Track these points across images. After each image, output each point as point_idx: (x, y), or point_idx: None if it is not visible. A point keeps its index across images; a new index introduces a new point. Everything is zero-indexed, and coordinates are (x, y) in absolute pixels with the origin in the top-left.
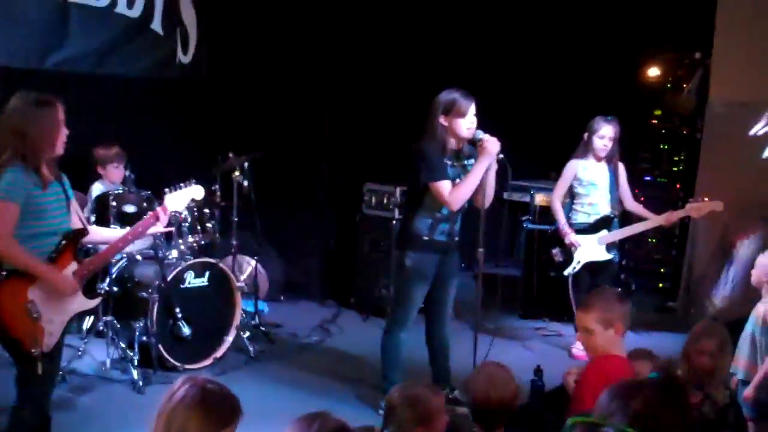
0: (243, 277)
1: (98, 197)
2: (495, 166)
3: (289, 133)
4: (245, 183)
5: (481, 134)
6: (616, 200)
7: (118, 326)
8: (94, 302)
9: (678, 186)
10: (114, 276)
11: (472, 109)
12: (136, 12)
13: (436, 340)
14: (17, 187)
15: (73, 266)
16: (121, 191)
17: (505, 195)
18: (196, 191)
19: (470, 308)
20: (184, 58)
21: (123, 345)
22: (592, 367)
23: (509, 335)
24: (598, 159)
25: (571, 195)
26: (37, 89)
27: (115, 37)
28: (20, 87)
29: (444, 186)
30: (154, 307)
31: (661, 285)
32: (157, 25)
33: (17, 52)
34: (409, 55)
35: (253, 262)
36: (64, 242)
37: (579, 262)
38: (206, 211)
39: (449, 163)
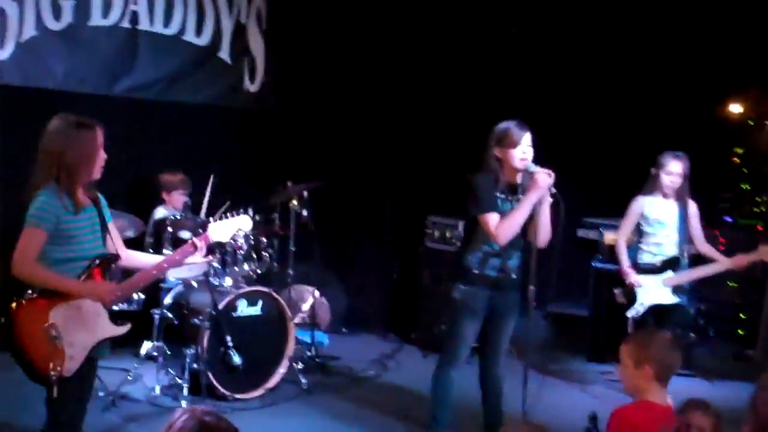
0: (304, 307)
1: (156, 221)
2: (548, 201)
3: (353, 165)
4: (304, 212)
5: (533, 167)
6: (686, 240)
7: (169, 352)
8: (123, 329)
9: (760, 228)
10: (170, 302)
11: (525, 138)
12: (204, 40)
13: (489, 379)
14: (47, 213)
15: None
16: (178, 217)
17: (580, 233)
18: (244, 222)
19: (537, 348)
20: (252, 87)
21: (173, 372)
22: (615, 414)
23: (572, 378)
24: (666, 196)
25: (639, 233)
26: (106, 115)
27: (182, 64)
28: (89, 113)
29: (491, 219)
30: (205, 335)
31: (740, 332)
32: (224, 54)
33: (87, 79)
34: (477, 88)
35: (316, 293)
36: (93, 266)
37: (642, 304)
38: (263, 239)
39: (502, 196)
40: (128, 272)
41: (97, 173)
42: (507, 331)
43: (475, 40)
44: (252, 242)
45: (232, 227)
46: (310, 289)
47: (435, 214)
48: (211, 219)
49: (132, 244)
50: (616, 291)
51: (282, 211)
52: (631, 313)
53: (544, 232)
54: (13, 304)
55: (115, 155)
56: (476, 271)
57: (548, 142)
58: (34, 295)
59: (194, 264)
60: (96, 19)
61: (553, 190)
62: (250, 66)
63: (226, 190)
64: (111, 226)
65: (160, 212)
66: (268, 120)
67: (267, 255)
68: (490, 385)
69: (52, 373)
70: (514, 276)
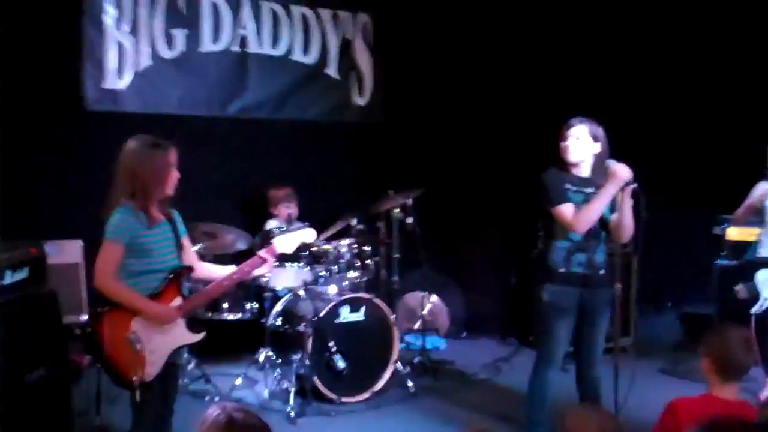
0: (424, 312)
1: (262, 234)
2: (629, 195)
3: (464, 170)
4: (408, 220)
5: (611, 162)
6: None
7: (279, 360)
8: (199, 336)
9: None
10: (279, 310)
11: (574, 131)
12: (311, 58)
13: (587, 381)
14: (123, 229)
15: (178, 301)
16: (283, 229)
17: (716, 230)
18: (307, 234)
19: (665, 348)
20: (360, 100)
21: (279, 377)
22: (672, 402)
23: (694, 377)
24: None
25: (762, 224)
26: (219, 136)
27: (291, 83)
28: (204, 134)
29: (565, 209)
30: (308, 341)
31: None
32: (332, 70)
33: (201, 103)
34: (584, 87)
35: (434, 298)
36: (168, 278)
37: (766, 299)
38: (366, 248)
39: (573, 188)
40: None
41: (170, 190)
42: (600, 329)
43: (580, 42)
44: (356, 251)
45: (296, 239)
46: (426, 295)
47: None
48: (275, 231)
49: (245, 255)
50: (738, 287)
51: (386, 220)
52: (755, 309)
53: (626, 228)
54: (98, 314)
55: (229, 172)
56: (562, 270)
57: (686, 138)
58: (117, 307)
59: (298, 273)
60: (207, 45)
61: (634, 185)
62: (358, 80)
63: (334, 201)
64: (185, 239)
65: (270, 224)
66: (377, 132)
67: (371, 263)
68: (587, 388)
69: (134, 378)
70: (602, 271)
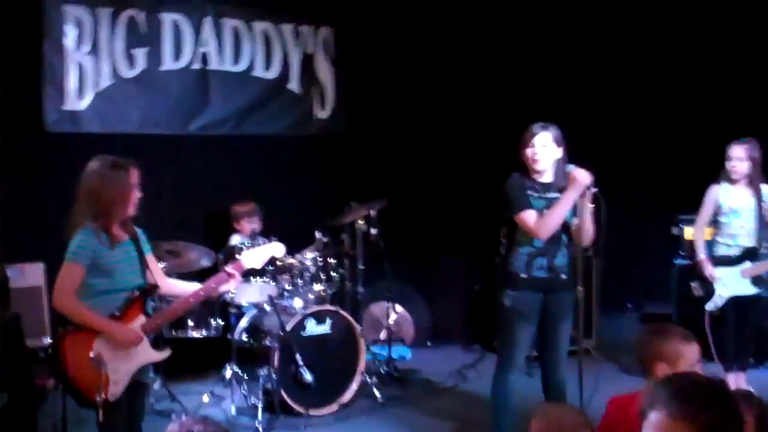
0: (389, 322)
1: (226, 250)
2: (589, 200)
3: (427, 181)
4: (372, 231)
5: (571, 167)
6: (763, 229)
7: (244, 374)
8: (163, 354)
9: None
10: (245, 326)
11: (537, 139)
12: (273, 73)
13: (552, 383)
14: (84, 249)
15: (141, 320)
16: (248, 245)
17: (675, 231)
18: (276, 249)
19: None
20: (322, 114)
21: (246, 393)
22: (612, 400)
23: None
24: (734, 182)
25: (715, 225)
26: (181, 153)
27: (253, 98)
28: (166, 152)
29: (528, 215)
30: (275, 355)
31: None
32: (294, 84)
33: (163, 121)
34: (549, 96)
35: (399, 309)
36: (132, 297)
37: (720, 296)
38: (331, 260)
39: (534, 194)
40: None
41: (131, 210)
42: (564, 332)
43: (536, 48)
44: (321, 263)
45: (265, 254)
46: (391, 305)
47: None
48: (243, 246)
49: (209, 273)
50: (693, 284)
51: (350, 232)
52: (709, 307)
53: (587, 231)
54: (61, 335)
55: (191, 190)
56: (524, 275)
57: (642, 140)
58: (79, 328)
59: (263, 287)
60: (168, 63)
61: (594, 189)
62: (320, 94)
63: (297, 214)
64: (150, 257)
65: (234, 240)
66: (339, 145)
67: (336, 275)
68: (552, 390)
69: (98, 398)
70: (563, 276)
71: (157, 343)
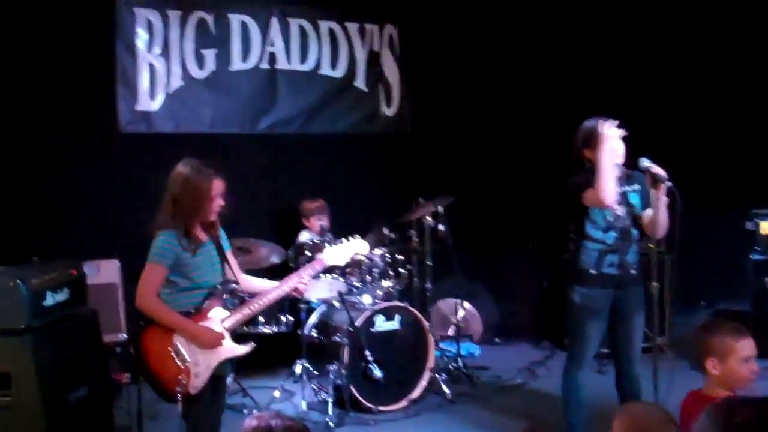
0: (455, 319)
1: (296, 246)
2: (663, 193)
3: (496, 176)
4: (440, 227)
5: (644, 160)
6: None
7: (314, 370)
8: (246, 349)
9: None
10: (314, 321)
11: (615, 133)
12: (339, 72)
13: (625, 381)
14: (166, 251)
15: (222, 314)
16: (318, 241)
17: (748, 225)
18: (360, 246)
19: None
20: (388, 111)
21: (316, 388)
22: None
23: None
24: None
25: None
26: (251, 152)
27: (320, 97)
28: (236, 151)
29: (590, 191)
30: (344, 351)
31: None
32: (360, 83)
33: (233, 120)
34: (619, 89)
35: (466, 305)
36: (212, 293)
37: None
38: (399, 257)
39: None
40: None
41: (212, 217)
42: (636, 328)
43: (605, 42)
44: (389, 260)
45: (348, 251)
46: (459, 301)
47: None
48: (326, 243)
49: (278, 269)
50: (767, 279)
51: (418, 228)
52: None
53: (661, 225)
54: (141, 328)
55: (261, 188)
56: (593, 272)
57: (715, 134)
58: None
59: (332, 284)
60: (236, 64)
61: (669, 183)
62: (386, 92)
63: (366, 211)
64: (229, 254)
65: (303, 236)
66: (406, 142)
67: (405, 272)
68: (626, 387)
69: (178, 389)
70: (633, 271)
71: (238, 337)
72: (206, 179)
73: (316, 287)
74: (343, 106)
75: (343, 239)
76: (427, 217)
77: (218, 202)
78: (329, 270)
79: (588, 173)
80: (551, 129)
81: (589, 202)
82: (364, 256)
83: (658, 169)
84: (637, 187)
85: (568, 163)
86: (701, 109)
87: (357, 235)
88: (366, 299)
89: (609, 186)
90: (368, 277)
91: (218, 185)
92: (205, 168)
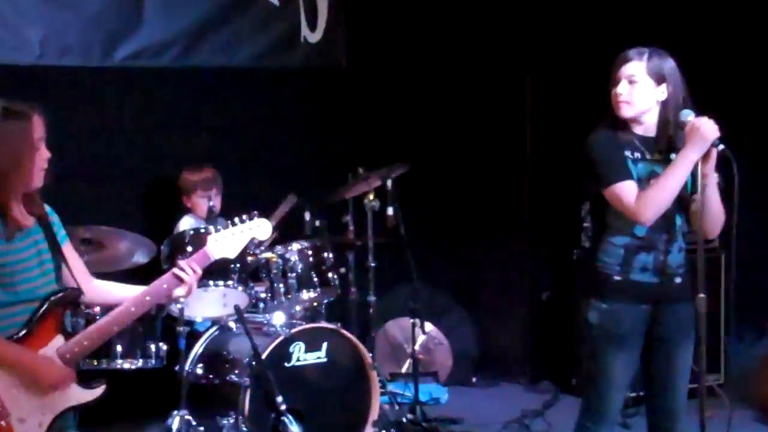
0: (415, 348)
1: (171, 239)
2: (712, 165)
3: (470, 135)
4: (389, 211)
5: (688, 114)
6: None
7: (200, 426)
8: (96, 393)
9: None
10: (199, 352)
11: (626, 70)
12: None
13: None
14: None
15: (58, 342)
16: (204, 230)
17: None
18: (260, 229)
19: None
20: (312, 36)
21: None
22: None
23: None
24: None
25: None
26: (102, 94)
27: (207, 14)
28: (79, 91)
29: (625, 189)
30: (245, 396)
31: None
32: None
33: (73, 47)
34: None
35: (430, 328)
36: (44, 309)
37: None
38: (328, 255)
39: (635, 155)
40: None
41: (37, 180)
42: (682, 364)
43: None
44: (312, 259)
45: (243, 238)
46: (418, 322)
47: None
48: (210, 228)
49: (145, 273)
50: None
51: (355, 212)
52: None
53: (713, 215)
54: None
55: (118, 150)
56: (619, 278)
57: None
58: None
59: (226, 295)
60: None
61: (722, 147)
62: (309, 9)
63: (276, 185)
64: (67, 249)
65: (184, 223)
66: (337, 83)
67: (336, 277)
68: None
69: None
70: (678, 279)
71: (83, 378)
72: (21, 120)
73: (202, 301)
74: (242, 27)
75: (236, 220)
76: (370, 196)
77: (44, 155)
78: (220, 273)
79: (616, 131)
80: (557, 64)
81: (614, 202)
82: (276, 254)
83: (704, 125)
84: None
85: (584, 115)
86: None
87: (255, 214)
88: (278, 318)
89: (663, 204)
90: (281, 286)
91: (40, 125)
92: (14, 105)
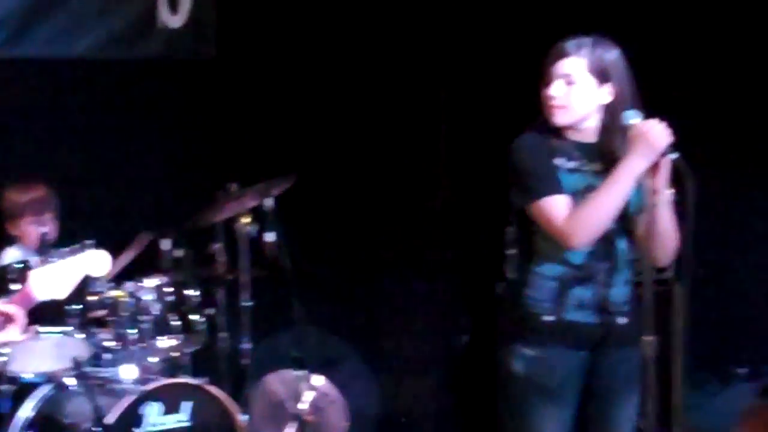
0: (301, 408)
1: None
2: (664, 178)
3: (369, 141)
4: (267, 237)
5: (633, 117)
6: None
7: None
8: None
9: None
10: (30, 416)
11: (562, 67)
12: None
13: None
14: None
15: None
16: (35, 264)
17: None
18: (94, 262)
19: None
20: (173, 20)
21: None
22: None
23: None
24: None
25: None
26: None
27: None
28: None
29: (554, 204)
30: None
31: None
32: None
33: None
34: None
35: (320, 382)
36: None
37: None
38: (193, 293)
39: (569, 164)
40: None
41: None
42: (625, 420)
43: None
44: (171, 298)
45: (74, 274)
46: (305, 375)
47: None
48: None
49: None
50: None
51: (226, 239)
52: None
53: (664, 239)
54: None
55: None
56: (549, 318)
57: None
58: None
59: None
60: None
61: (675, 155)
62: None
63: (127, 207)
64: None
65: (8, 256)
66: (205, 76)
67: (202, 320)
68: None
69: None
70: (623, 319)
71: None
72: None
73: (32, 352)
74: (84, 10)
75: (64, 251)
76: (245, 219)
77: None
78: (54, 317)
79: (547, 135)
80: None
81: (542, 220)
82: (126, 292)
83: (652, 130)
84: None
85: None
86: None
87: (89, 243)
88: (128, 373)
89: (599, 225)
90: (132, 332)
91: None
92: None
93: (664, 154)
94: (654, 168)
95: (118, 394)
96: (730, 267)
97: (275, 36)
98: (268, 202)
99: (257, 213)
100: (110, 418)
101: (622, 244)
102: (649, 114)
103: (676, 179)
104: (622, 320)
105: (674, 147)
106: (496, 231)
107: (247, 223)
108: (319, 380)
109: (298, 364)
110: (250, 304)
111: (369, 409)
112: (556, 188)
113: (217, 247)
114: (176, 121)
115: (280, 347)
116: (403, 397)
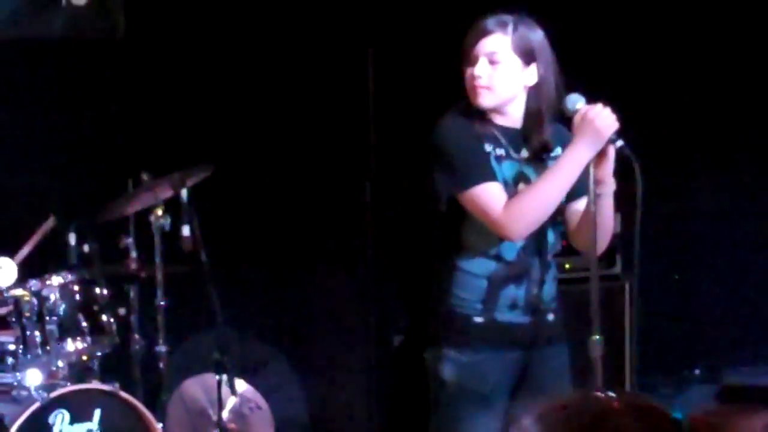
0: (223, 416)
1: None
2: (609, 167)
3: (292, 128)
4: (184, 231)
5: (577, 101)
6: None
7: None
8: None
9: None
10: None
11: (483, 46)
12: None
13: None
14: None
15: None
16: None
17: None
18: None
19: None
20: None
21: None
22: None
23: None
24: None
25: None
26: None
27: None
28: None
29: (490, 193)
30: None
31: None
32: None
33: None
34: None
35: (243, 387)
36: None
37: None
38: (100, 292)
39: (497, 152)
40: None
41: None
42: None
43: None
44: (79, 297)
45: None
46: (226, 380)
47: None
48: None
49: None
50: None
51: (138, 232)
52: None
53: (601, 230)
54: None
55: None
56: (480, 319)
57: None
58: None
59: None
60: None
61: (620, 143)
62: None
63: (28, 197)
64: None
65: None
66: (113, 58)
67: (112, 320)
68: None
69: None
70: (551, 316)
71: None
72: None
73: None
74: None
75: None
76: (158, 211)
77: None
78: None
79: (473, 119)
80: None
81: (475, 210)
82: (29, 291)
83: (599, 115)
84: (560, 152)
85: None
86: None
87: None
88: (32, 378)
89: (538, 217)
90: (36, 334)
91: None
92: None
93: (611, 142)
94: (600, 156)
95: (23, 402)
96: (683, 262)
97: (190, 15)
98: (184, 193)
99: (172, 204)
100: (14, 427)
101: (551, 237)
102: (595, 99)
103: (622, 162)
104: (551, 317)
105: (620, 134)
106: (430, 224)
107: (160, 216)
108: (241, 385)
109: (219, 368)
110: (164, 303)
111: (295, 416)
112: (490, 175)
113: (129, 241)
114: (84, 104)
115: (199, 350)
116: (331, 403)
